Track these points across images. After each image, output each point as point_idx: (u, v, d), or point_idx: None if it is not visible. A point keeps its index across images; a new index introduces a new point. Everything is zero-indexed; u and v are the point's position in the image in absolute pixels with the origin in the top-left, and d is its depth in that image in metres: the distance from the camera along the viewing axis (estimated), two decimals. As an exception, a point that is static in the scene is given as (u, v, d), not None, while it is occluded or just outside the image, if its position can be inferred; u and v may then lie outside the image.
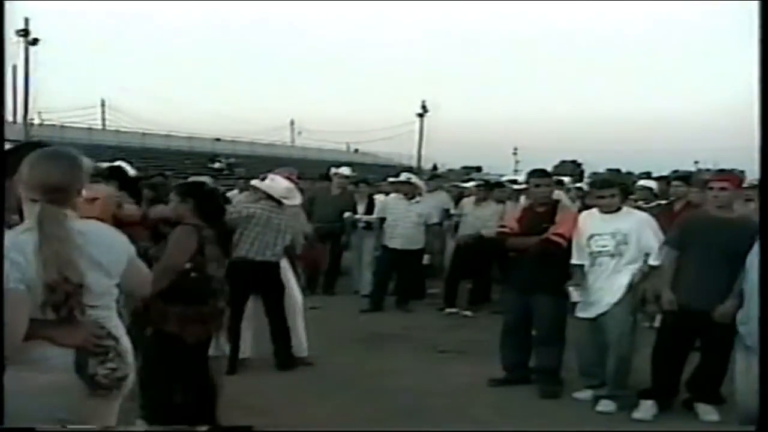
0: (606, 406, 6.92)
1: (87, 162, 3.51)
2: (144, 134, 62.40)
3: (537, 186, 7.66)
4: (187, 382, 5.73)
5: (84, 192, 5.10)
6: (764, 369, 4.38)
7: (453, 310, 11.69)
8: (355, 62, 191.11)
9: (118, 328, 3.38)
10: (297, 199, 8.38)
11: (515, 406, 7.09)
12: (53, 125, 56.21)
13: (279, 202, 8.05)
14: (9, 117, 53.76)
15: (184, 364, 5.55)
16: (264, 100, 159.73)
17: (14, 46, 49.34)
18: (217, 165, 52.23)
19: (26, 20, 49.62)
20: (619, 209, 7.17)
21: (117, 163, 8.90)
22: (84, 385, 3.16)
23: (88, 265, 3.20)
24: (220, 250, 5.67)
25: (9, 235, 3.14)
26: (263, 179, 8.38)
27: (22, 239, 3.11)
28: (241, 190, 12.23)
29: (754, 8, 3.64)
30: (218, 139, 66.46)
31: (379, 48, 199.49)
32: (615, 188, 7.29)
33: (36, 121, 54.78)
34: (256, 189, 8.26)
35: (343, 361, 8.57)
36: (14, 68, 51.85)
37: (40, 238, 3.10)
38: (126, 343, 3.42)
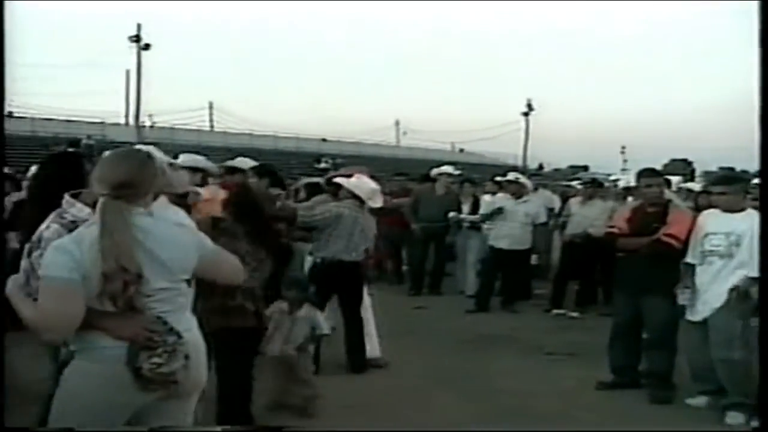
0: (734, 418, 6.58)
1: (201, 160, 3.56)
2: (251, 135, 63.28)
3: (649, 186, 7.44)
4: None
5: (203, 193, 5.22)
6: (764, 368, 4.21)
7: (560, 311, 11.52)
8: (460, 62, 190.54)
9: (184, 325, 3.44)
10: (379, 202, 8.33)
11: (624, 411, 6.93)
12: (163, 127, 57.64)
13: (362, 203, 8.03)
14: (121, 120, 55.67)
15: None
16: (369, 100, 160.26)
17: (127, 51, 50.97)
18: (322, 165, 52.62)
19: (138, 26, 51.04)
20: (742, 209, 6.86)
21: (236, 160, 8.99)
22: (133, 377, 3.24)
23: (148, 260, 3.29)
24: (250, 247, 5.62)
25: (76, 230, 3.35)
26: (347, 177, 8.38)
27: (82, 231, 3.28)
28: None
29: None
30: (324, 140, 66.92)
31: (485, 47, 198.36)
32: (735, 185, 7.01)
33: (147, 124, 56.31)
34: (341, 187, 8.24)
35: (449, 361, 8.53)
36: (127, 73, 53.56)
37: (100, 229, 3.22)
38: (194, 341, 3.48)
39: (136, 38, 50.75)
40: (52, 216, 3.56)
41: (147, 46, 50.98)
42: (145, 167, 3.47)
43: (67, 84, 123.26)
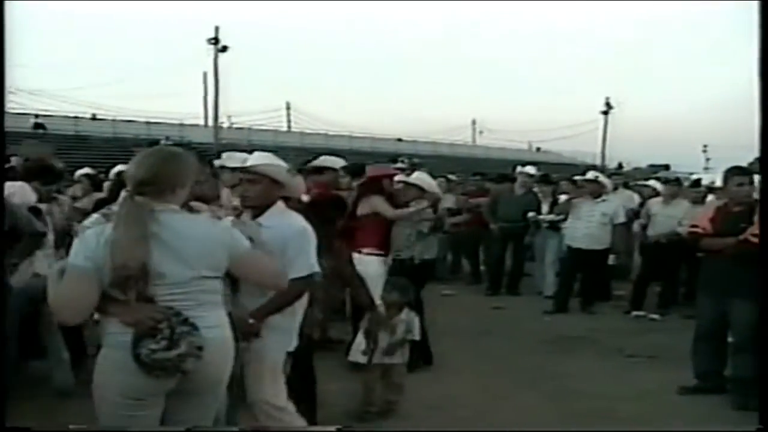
0: None
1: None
2: (327, 135, 63.67)
3: (740, 185, 7.17)
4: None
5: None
6: (764, 369, 4.10)
7: (640, 313, 11.30)
8: (537, 60, 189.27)
9: (208, 321, 3.53)
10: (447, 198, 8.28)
11: (707, 417, 6.74)
12: (241, 128, 58.45)
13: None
14: (200, 121, 56.51)
15: None
16: (446, 99, 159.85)
17: (205, 53, 51.75)
18: (398, 165, 52.66)
19: (216, 29, 51.73)
20: None
21: (324, 159, 8.96)
22: (135, 363, 3.41)
23: (166, 256, 3.44)
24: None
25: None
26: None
27: (107, 225, 3.48)
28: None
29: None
30: (400, 140, 67.09)
31: (562, 45, 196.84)
32: None
33: (225, 125, 57.09)
34: (410, 186, 8.13)
35: (527, 361, 8.46)
36: (204, 75, 54.36)
37: (114, 224, 3.44)
38: (217, 338, 3.56)
39: (215, 41, 51.43)
40: (106, 207, 3.71)
41: (224, 48, 51.62)
42: (168, 164, 3.59)
43: (147, 86, 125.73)
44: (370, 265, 7.73)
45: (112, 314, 3.45)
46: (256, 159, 4.88)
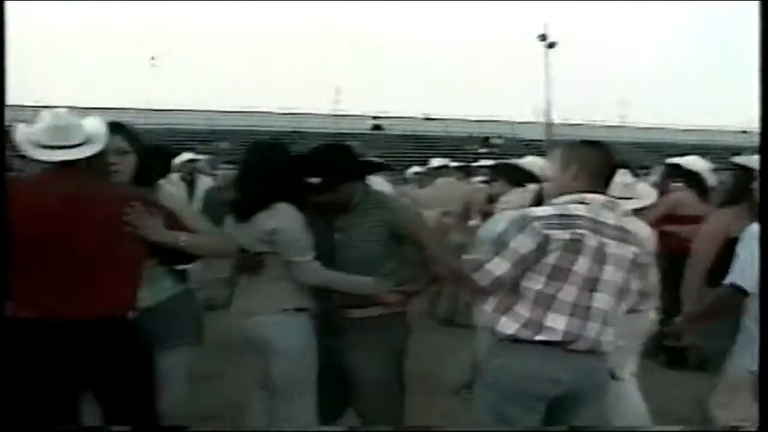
0: None
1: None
2: (665, 129, 61.86)
3: None
4: None
5: None
6: (764, 369, 3.25)
7: None
8: None
9: None
10: None
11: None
12: (572, 124, 58.04)
13: None
14: (531, 117, 56.77)
15: None
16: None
17: (534, 50, 52.11)
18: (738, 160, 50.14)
19: (544, 25, 51.89)
20: None
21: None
22: None
23: None
24: None
25: None
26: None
27: None
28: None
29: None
30: (744, 131, 63.94)
31: None
32: None
33: (557, 121, 57.06)
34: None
35: None
36: (536, 71, 54.59)
37: None
38: None
39: (543, 37, 51.70)
40: None
41: (552, 45, 51.75)
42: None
43: (483, 85, 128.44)
44: None
45: None
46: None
